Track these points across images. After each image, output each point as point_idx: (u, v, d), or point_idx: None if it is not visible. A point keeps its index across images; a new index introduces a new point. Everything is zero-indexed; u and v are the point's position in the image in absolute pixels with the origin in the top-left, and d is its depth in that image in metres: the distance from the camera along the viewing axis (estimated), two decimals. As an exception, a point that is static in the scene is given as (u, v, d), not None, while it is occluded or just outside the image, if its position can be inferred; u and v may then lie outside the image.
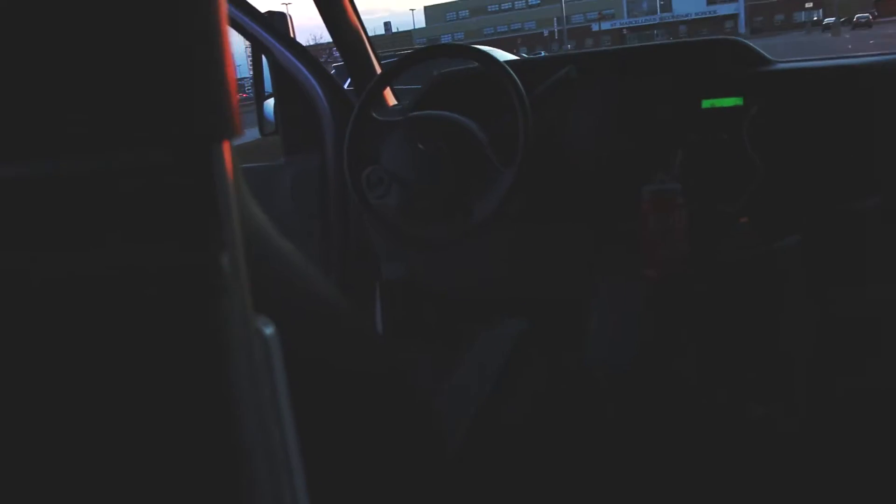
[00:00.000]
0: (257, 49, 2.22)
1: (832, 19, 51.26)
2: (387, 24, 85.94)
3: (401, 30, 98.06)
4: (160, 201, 0.44)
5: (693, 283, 1.64)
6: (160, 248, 0.45)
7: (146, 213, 0.45)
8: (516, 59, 2.51)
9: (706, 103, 1.81)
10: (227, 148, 0.44)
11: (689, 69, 1.89)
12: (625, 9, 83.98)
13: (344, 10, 2.19)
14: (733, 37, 1.94)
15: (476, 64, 1.80)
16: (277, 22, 2.24)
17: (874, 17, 57.50)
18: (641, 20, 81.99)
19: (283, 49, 2.17)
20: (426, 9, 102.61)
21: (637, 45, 2.29)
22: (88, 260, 0.45)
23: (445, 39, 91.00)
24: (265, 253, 0.62)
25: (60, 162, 0.43)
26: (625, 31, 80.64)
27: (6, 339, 0.45)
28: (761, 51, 1.87)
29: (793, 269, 1.65)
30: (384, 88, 2.10)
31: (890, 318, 1.67)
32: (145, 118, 0.43)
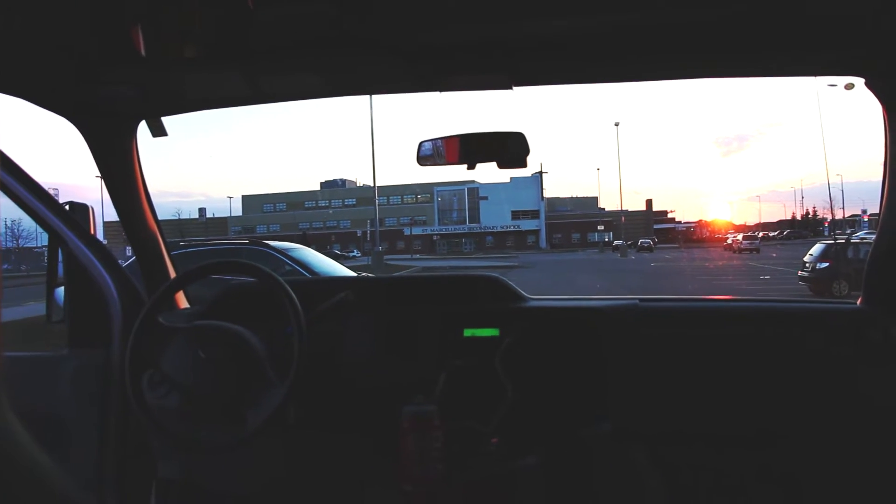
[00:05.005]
0: (54, 239, 2.24)
1: (621, 242, 56.15)
2: (201, 210, 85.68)
3: (217, 216, 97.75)
4: None
5: (444, 501, 1.76)
6: None
7: None
8: (301, 280, 2.66)
9: (468, 332, 2.03)
10: None
11: (454, 301, 2.12)
12: (436, 217, 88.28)
13: (144, 216, 2.27)
14: (495, 274, 2.20)
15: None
16: (79, 214, 2.27)
17: (655, 243, 63.97)
18: (451, 228, 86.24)
19: (79, 243, 2.20)
20: (244, 197, 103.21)
21: (412, 275, 2.54)
22: None
23: (261, 230, 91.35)
24: (17, 465, 0.67)
25: None
26: (435, 238, 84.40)
27: None
28: (517, 288, 2.14)
29: (531, 488, 1.83)
30: (176, 292, 2.17)
31: None
32: None
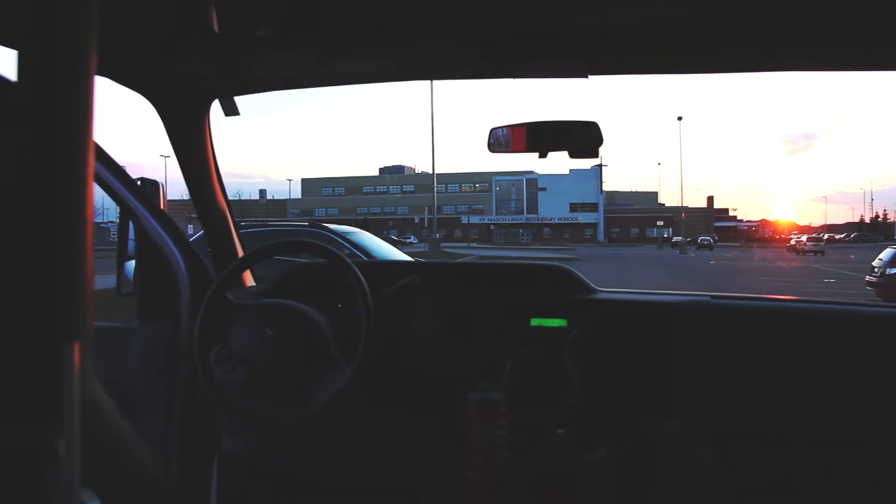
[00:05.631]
0: (125, 213, 2.28)
1: (680, 238, 55.36)
2: (262, 192, 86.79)
3: (276, 198, 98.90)
4: (15, 384, 0.51)
5: (509, 489, 1.76)
6: (7, 424, 0.50)
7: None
8: (367, 262, 2.67)
9: (534, 321, 2.01)
10: (77, 348, 0.51)
11: (522, 289, 2.11)
12: (494, 206, 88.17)
13: (214, 195, 2.31)
14: (563, 265, 2.18)
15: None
16: (149, 190, 2.32)
17: (715, 241, 62.95)
18: (509, 218, 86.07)
19: (150, 217, 2.24)
20: (303, 180, 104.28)
21: (479, 261, 2.53)
22: None
23: (319, 213, 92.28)
24: (106, 432, 0.68)
25: None
26: (492, 227, 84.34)
27: None
28: (586, 279, 2.11)
29: (597, 481, 1.81)
30: (245, 270, 2.21)
31: None
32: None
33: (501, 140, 1.94)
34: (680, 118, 66.72)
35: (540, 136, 1.90)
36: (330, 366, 1.78)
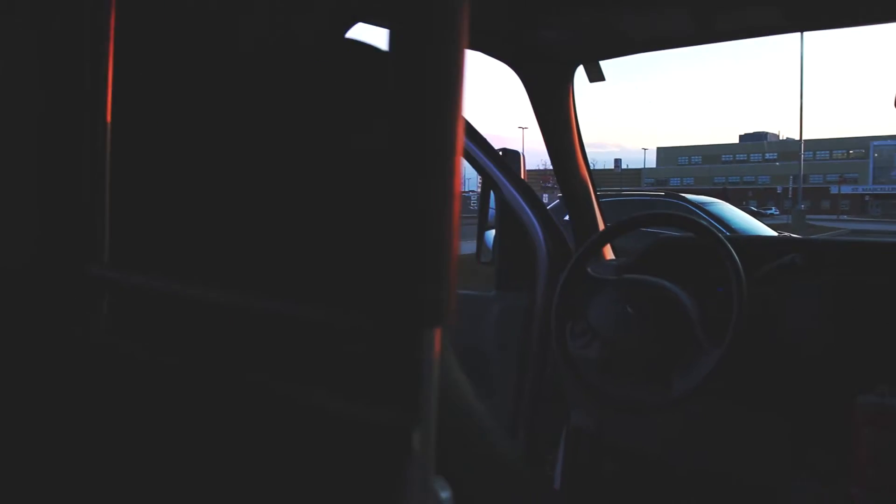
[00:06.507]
0: (487, 183, 2.32)
1: None
2: (617, 161, 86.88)
3: (630, 167, 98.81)
4: (375, 368, 0.49)
5: None
6: (367, 407, 0.49)
7: (361, 374, 0.50)
8: (741, 237, 2.46)
9: None
10: (437, 334, 0.48)
11: None
12: (871, 174, 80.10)
13: (576, 165, 2.26)
14: None
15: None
16: (510, 160, 2.34)
17: None
18: (888, 188, 77.76)
19: (511, 187, 2.26)
20: (659, 149, 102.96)
21: (871, 240, 2.18)
22: (305, 395, 0.51)
23: (674, 182, 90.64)
24: (457, 418, 0.65)
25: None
26: (867, 198, 76.71)
27: None
28: None
29: None
30: (604, 245, 2.14)
31: None
32: (365, 299, 0.48)
33: None
34: None
35: None
36: (694, 349, 1.65)
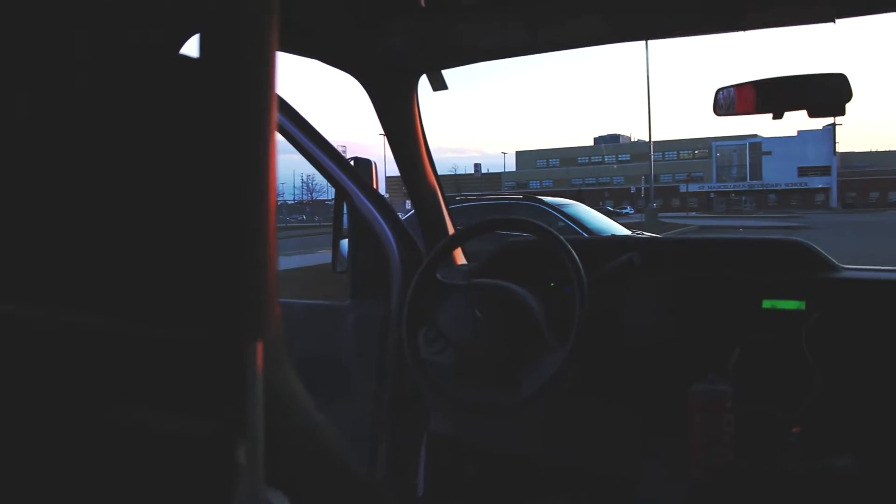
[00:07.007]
0: (339, 193, 2.32)
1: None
2: (476, 166, 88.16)
3: (491, 171, 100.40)
4: (196, 379, 0.49)
5: (735, 494, 1.59)
6: (188, 420, 0.48)
7: (179, 386, 0.49)
8: (583, 239, 2.55)
9: (767, 303, 1.79)
10: (260, 348, 0.48)
11: (752, 268, 1.89)
12: (714, 173, 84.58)
13: (424, 171, 2.29)
14: (801, 239, 1.94)
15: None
16: (362, 169, 2.34)
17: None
18: (730, 185, 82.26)
19: (362, 197, 2.26)
20: (518, 153, 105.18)
21: (704, 237, 2.32)
22: (116, 412, 0.49)
23: (534, 185, 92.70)
24: (297, 430, 0.64)
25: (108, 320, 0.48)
26: (712, 195, 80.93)
27: None
28: (828, 256, 1.86)
29: (843, 493, 1.57)
30: (454, 249, 2.17)
31: None
32: (183, 313, 0.47)
33: (727, 101, 1.75)
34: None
35: (772, 95, 1.69)
36: (542, 350, 1.70)
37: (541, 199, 8.33)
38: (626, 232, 7.74)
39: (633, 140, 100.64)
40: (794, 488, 1.58)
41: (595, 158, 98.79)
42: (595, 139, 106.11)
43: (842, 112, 1.61)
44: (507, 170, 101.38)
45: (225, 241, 0.45)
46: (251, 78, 0.45)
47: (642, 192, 53.85)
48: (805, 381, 1.68)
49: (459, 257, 2.35)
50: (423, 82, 2.15)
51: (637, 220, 33.61)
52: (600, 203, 60.26)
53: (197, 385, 0.48)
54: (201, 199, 0.45)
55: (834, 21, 1.58)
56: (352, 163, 2.33)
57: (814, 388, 1.67)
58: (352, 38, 1.90)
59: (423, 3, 1.57)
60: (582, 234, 7.09)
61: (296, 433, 0.68)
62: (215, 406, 0.48)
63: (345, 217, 2.38)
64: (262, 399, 0.48)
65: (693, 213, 63.41)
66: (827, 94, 1.63)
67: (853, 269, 1.87)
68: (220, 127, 0.45)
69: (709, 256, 1.97)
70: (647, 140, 41.25)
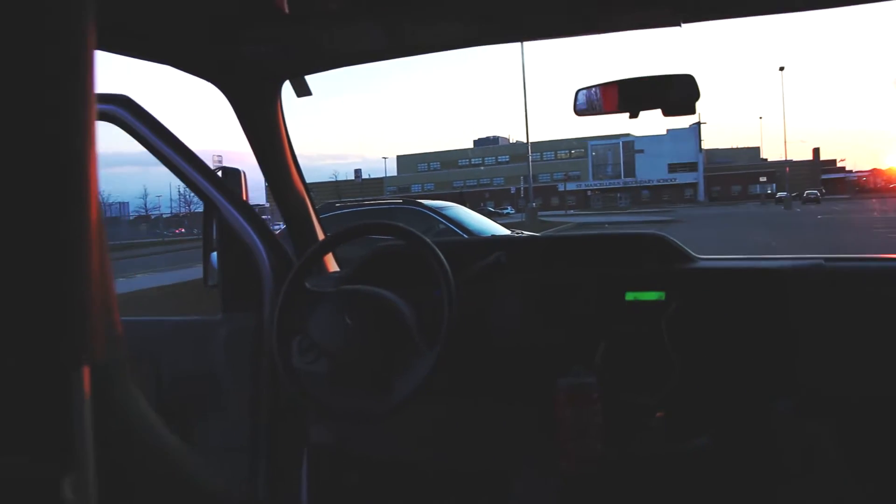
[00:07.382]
0: (207, 206, 2.26)
1: (784, 193, 53.49)
2: (357, 171, 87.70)
3: (372, 176, 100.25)
4: (14, 415, 0.45)
5: (605, 481, 1.63)
6: (7, 461, 0.45)
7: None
8: (452, 241, 2.58)
9: (629, 296, 1.86)
10: (86, 373, 0.45)
11: (615, 262, 1.96)
12: (590, 172, 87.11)
13: (291, 179, 2.25)
14: (659, 232, 2.02)
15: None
16: (231, 180, 2.28)
17: (822, 195, 60.72)
18: (606, 183, 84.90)
19: (231, 208, 2.21)
20: (399, 157, 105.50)
21: (569, 234, 2.38)
22: None
23: (416, 189, 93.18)
24: (144, 451, 0.62)
25: None
26: (589, 193, 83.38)
27: None
28: (685, 247, 1.94)
29: (703, 471, 1.65)
30: (322, 257, 2.14)
31: None
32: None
33: (590, 101, 1.79)
34: (782, 68, 63.65)
35: (632, 94, 1.75)
36: (412, 353, 1.70)
37: (420, 203, 8.35)
38: (507, 232, 7.87)
39: (511, 141, 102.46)
40: (658, 471, 1.64)
41: (475, 160, 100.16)
42: (475, 141, 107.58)
43: (692, 111, 1.69)
44: (388, 174, 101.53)
45: (34, 256, 0.42)
46: (58, 77, 0.43)
47: (522, 192, 54.79)
48: (666, 368, 1.75)
49: (332, 264, 2.33)
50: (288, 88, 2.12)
51: (518, 220, 34.23)
52: (482, 204, 61.02)
53: (14, 419, 0.45)
54: (5, 209, 0.42)
55: (680, 25, 1.65)
56: (219, 173, 2.27)
57: (674, 374, 1.73)
58: (208, 45, 1.85)
59: (286, 10, 1.54)
60: (462, 236, 7.14)
61: (143, 455, 0.65)
62: (32, 440, 0.45)
63: (214, 230, 2.32)
64: (90, 426, 0.46)
65: (572, 211, 65.15)
66: (678, 93, 1.70)
67: (708, 258, 1.96)
68: (19, 128, 0.42)
69: (573, 253, 2.03)
70: (525, 141, 41.99)
